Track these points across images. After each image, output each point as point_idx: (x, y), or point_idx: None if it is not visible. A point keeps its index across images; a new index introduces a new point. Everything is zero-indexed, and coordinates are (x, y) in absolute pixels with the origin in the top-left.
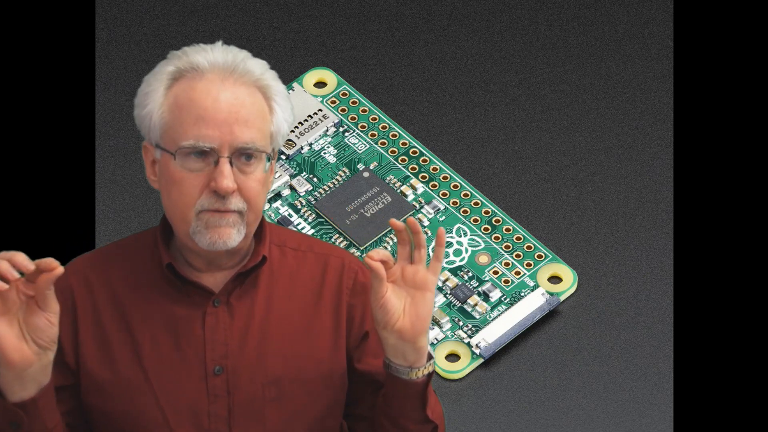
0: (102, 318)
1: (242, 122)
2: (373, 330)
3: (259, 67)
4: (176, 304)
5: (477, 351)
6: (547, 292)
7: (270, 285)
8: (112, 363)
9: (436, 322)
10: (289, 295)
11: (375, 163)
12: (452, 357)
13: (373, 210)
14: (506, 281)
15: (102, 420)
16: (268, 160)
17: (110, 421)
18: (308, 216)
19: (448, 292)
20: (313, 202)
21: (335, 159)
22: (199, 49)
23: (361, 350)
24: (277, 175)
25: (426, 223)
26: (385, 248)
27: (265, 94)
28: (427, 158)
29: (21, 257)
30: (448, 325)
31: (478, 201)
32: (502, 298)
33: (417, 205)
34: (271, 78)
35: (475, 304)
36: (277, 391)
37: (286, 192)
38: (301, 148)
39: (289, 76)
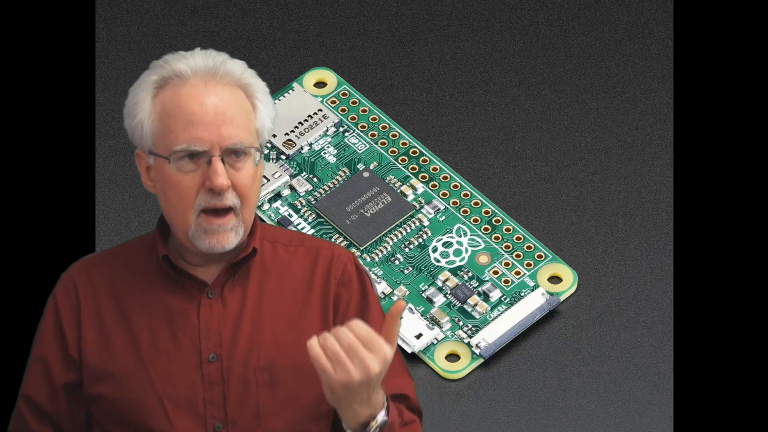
0: (102, 311)
1: (228, 122)
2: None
3: (238, 67)
4: (172, 295)
5: (477, 351)
6: (547, 292)
7: (261, 277)
8: (112, 353)
9: (436, 322)
10: (281, 286)
11: (375, 163)
12: (452, 357)
13: (373, 210)
14: (506, 281)
15: (103, 408)
16: (258, 154)
17: (111, 409)
18: (308, 216)
19: (448, 292)
20: (313, 202)
21: (335, 159)
22: (180, 56)
23: None
24: (277, 175)
25: (426, 223)
26: (385, 248)
27: (246, 92)
28: (427, 158)
29: None
30: (448, 325)
31: (478, 201)
32: (502, 298)
33: (417, 205)
34: (251, 76)
35: (475, 304)
36: (269, 376)
37: (286, 192)
38: (301, 148)
39: (289, 76)
